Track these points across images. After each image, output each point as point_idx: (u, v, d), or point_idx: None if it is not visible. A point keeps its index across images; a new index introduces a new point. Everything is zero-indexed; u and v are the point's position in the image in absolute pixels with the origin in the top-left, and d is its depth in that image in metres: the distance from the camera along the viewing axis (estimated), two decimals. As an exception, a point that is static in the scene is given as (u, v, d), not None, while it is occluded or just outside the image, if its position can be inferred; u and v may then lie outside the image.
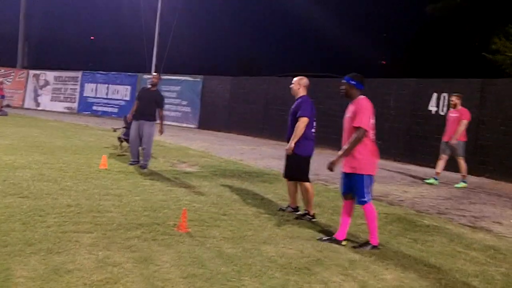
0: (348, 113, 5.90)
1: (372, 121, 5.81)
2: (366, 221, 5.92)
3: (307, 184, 6.99)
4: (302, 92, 7.14)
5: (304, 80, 7.20)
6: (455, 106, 11.35)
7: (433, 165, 14.28)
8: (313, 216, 6.94)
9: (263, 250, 5.28)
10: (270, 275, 4.59)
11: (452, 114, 11.40)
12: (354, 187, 5.81)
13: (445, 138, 11.43)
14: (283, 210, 7.17)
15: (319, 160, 14.48)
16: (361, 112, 5.68)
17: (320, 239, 5.89)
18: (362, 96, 5.89)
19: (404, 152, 15.13)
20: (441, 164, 11.42)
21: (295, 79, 7.25)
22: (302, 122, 6.82)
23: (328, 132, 17.68)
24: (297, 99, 7.13)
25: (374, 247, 5.72)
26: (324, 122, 17.98)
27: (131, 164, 10.35)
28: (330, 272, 4.82)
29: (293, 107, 7.08)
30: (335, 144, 17.25)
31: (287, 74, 25.65)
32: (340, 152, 5.75)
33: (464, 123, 11.02)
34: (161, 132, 10.55)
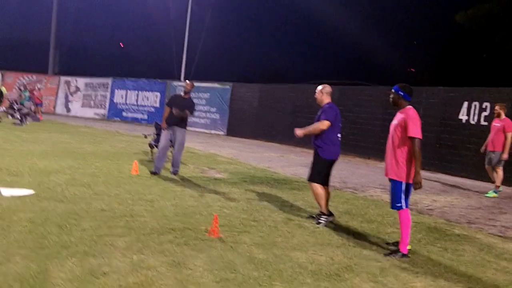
0: (396, 120, 6.01)
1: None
2: (400, 228, 5.91)
3: (316, 185, 7.02)
4: (326, 99, 7.20)
5: (327, 88, 7.26)
6: (499, 115, 11.27)
7: (463, 174, 14.19)
8: (329, 214, 7.04)
9: (293, 256, 5.33)
10: (301, 280, 4.64)
11: (496, 123, 11.32)
12: (391, 192, 5.91)
13: (489, 148, 11.35)
14: (313, 217, 7.18)
15: (348, 168, 14.56)
16: (411, 121, 5.77)
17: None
18: (410, 106, 6.02)
19: (433, 161, 15.00)
20: (495, 174, 11.31)
21: (318, 88, 7.29)
22: (322, 123, 6.92)
23: (358, 140, 17.70)
24: (322, 107, 7.18)
25: (404, 255, 5.72)
26: (353, 130, 18.02)
27: (154, 173, 10.13)
28: (360, 279, 4.84)
29: (318, 114, 7.16)
30: (364, 152, 17.35)
31: (315, 82, 25.68)
32: (417, 168, 5.67)
33: (510, 135, 10.96)
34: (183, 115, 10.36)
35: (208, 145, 18.02)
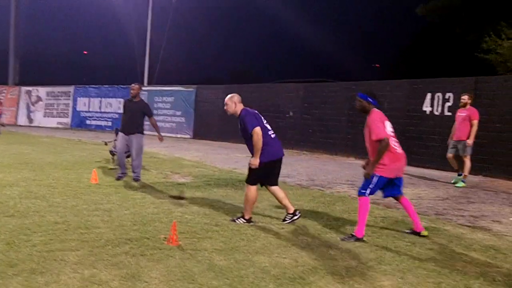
0: (366, 126, 6.23)
1: (390, 128, 6.24)
2: (357, 213, 6.18)
3: (251, 187, 6.74)
4: (239, 107, 6.91)
5: (236, 97, 6.95)
6: (465, 105, 11.25)
7: (429, 165, 14.16)
8: (248, 220, 6.76)
9: (256, 261, 5.10)
10: (263, 286, 4.41)
11: (461, 113, 11.31)
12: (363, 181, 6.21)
13: (455, 138, 11.31)
14: (285, 221, 6.93)
15: (315, 165, 14.42)
16: (373, 124, 6.06)
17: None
18: (373, 109, 6.26)
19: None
20: (465, 163, 11.24)
21: (226, 99, 6.96)
22: (256, 135, 6.57)
23: (325, 137, 17.60)
24: (239, 117, 6.86)
25: (358, 239, 5.99)
26: (320, 127, 17.96)
27: (119, 177, 10.08)
28: (326, 281, 4.64)
29: (240, 126, 6.85)
30: (331, 148, 17.25)
31: (282, 81, 25.60)
32: (370, 164, 6.13)
33: (476, 123, 10.96)
34: (160, 139, 10.36)
35: (174, 149, 17.68)
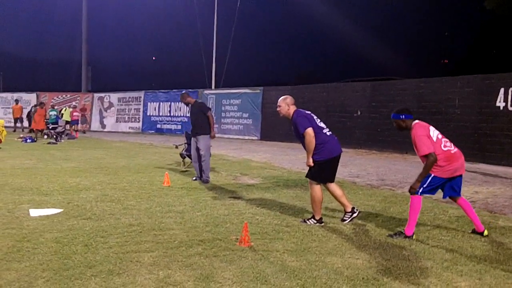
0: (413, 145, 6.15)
1: (436, 133, 6.10)
2: (409, 211, 6.11)
3: (315, 187, 6.71)
4: (292, 109, 6.86)
5: (289, 99, 6.95)
6: None
7: (504, 162, 13.59)
8: (319, 221, 6.69)
9: (328, 262, 5.05)
10: (336, 287, 4.37)
11: None
12: None
13: None
14: (344, 221, 6.86)
15: (385, 165, 14.16)
16: (416, 140, 5.99)
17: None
18: (415, 122, 6.16)
19: (472, 151, 14.44)
20: None
21: (279, 100, 6.96)
22: (308, 135, 6.55)
23: (394, 135, 17.19)
24: (291, 119, 6.83)
25: (407, 237, 5.95)
26: (388, 126, 17.54)
27: (194, 179, 10.44)
28: (400, 282, 4.53)
29: (293, 128, 6.84)
30: (401, 147, 16.84)
31: (348, 80, 25.30)
32: (418, 177, 6.02)
33: None
34: (213, 136, 10.49)
35: (242, 151, 17.84)
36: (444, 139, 6.08)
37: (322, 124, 6.83)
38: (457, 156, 6.04)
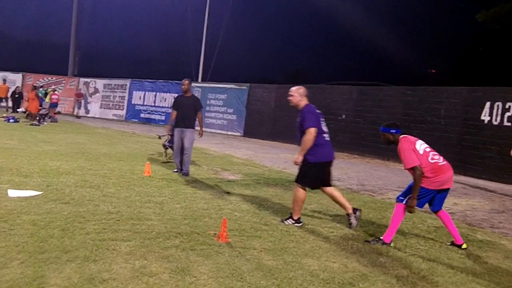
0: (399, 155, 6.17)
1: (423, 146, 6.13)
2: (391, 218, 6.18)
3: (299, 188, 6.70)
4: (303, 101, 6.85)
5: (302, 90, 6.92)
6: None
7: (485, 176, 13.74)
8: (297, 221, 6.68)
9: (305, 263, 5.05)
10: (312, 290, 4.37)
11: None
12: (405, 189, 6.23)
13: None
14: (351, 224, 6.85)
15: (366, 170, 14.24)
16: (402, 153, 6.02)
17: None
18: (402, 136, 6.19)
19: (454, 162, 14.45)
20: None
21: (292, 89, 6.92)
22: (310, 133, 6.53)
23: (377, 141, 17.22)
24: (301, 110, 6.80)
25: (385, 243, 5.99)
26: (372, 131, 17.65)
27: (175, 171, 10.36)
28: (375, 288, 4.55)
29: (298, 119, 6.78)
30: (383, 153, 16.93)
31: (334, 83, 25.38)
32: (412, 194, 5.97)
33: None
34: (201, 135, 10.51)
35: (224, 146, 17.81)
36: (433, 152, 6.11)
37: (325, 128, 6.81)
38: (445, 169, 6.07)
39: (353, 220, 6.80)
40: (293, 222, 6.69)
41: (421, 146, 6.11)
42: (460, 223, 7.85)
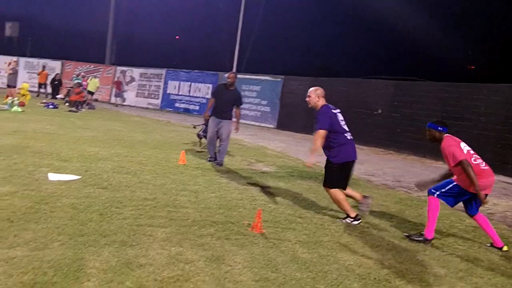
0: (443, 155, 6.08)
1: (466, 148, 6.02)
2: (427, 214, 6.11)
3: (333, 190, 6.57)
4: (321, 102, 6.74)
5: (320, 91, 6.79)
6: None
7: (525, 176, 13.39)
8: (355, 218, 6.56)
9: (340, 258, 5.01)
10: (347, 285, 4.33)
11: None
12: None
13: None
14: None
15: (402, 166, 14.04)
16: (447, 150, 5.94)
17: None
18: (445, 136, 6.10)
19: (494, 162, 14.19)
20: None
21: (310, 90, 6.81)
22: (318, 135, 6.44)
23: (414, 138, 16.99)
24: (318, 111, 6.70)
25: (427, 240, 5.93)
26: (409, 127, 17.38)
27: (209, 160, 10.40)
28: (412, 286, 4.48)
29: (315, 119, 6.69)
30: (420, 150, 16.67)
31: (369, 77, 25.04)
32: (474, 187, 5.79)
33: None
34: (237, 129, 10.53)
35: (257, 138, 17.80)
36: (475, 155, 5.99)
37: (345, 127, 6.71)
38: (487, 173, 5.93)
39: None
40: (352, 220, 6.56)
41: (464, 147, 6.01)
42: (499, 224, 7.67)
